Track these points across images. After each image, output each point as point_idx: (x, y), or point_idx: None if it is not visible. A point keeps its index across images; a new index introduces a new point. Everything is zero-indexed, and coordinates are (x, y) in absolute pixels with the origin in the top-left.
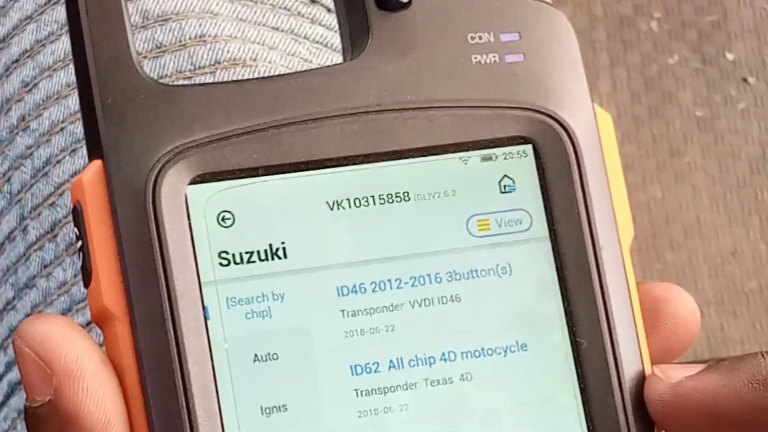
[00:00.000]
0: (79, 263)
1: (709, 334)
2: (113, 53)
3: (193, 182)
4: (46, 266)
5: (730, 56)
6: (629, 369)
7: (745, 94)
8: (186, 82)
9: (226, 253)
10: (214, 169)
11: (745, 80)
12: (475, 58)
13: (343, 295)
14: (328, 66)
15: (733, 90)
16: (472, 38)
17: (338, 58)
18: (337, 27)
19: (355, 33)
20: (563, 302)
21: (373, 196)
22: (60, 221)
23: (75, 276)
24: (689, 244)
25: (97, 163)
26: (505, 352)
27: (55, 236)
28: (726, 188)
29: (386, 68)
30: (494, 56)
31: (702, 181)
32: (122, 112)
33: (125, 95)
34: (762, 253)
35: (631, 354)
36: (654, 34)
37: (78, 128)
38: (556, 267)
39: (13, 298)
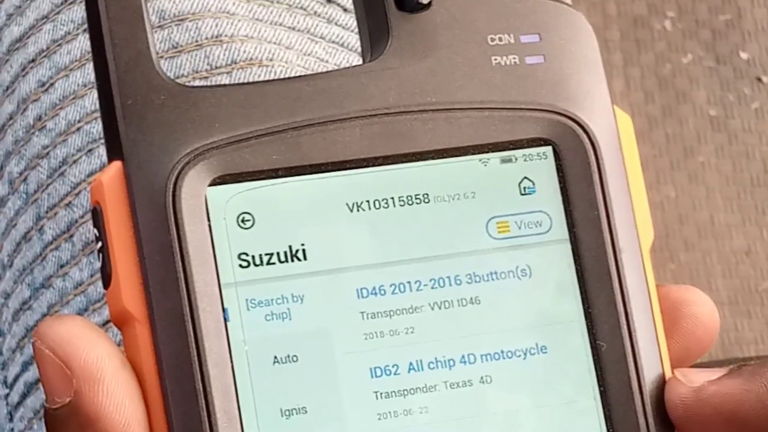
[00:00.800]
0: (98, 264)
1: (723, 334)
2: (133, 54)
3: (213, 183)
4: (62, 266)
5: (744, 55)
6: (649, 372)
7: (759, 94)
8: (202, 82)
9: (246, 254)
10: (234, 170)
11: (759, 79)
12: (495, 59)
13: (362, 297)
14: (347, 67)
15: (747, 89)
16: (492, 39)
17: (354, 58)
18: (353, 27)
19: (374, 34)
20: (583, 305)
21: (393, 198)
22: (76, 221)
23: (91, 276)
24: (703, 244)
25: (117, 164)
26: (525, 354)
27: (72, 236)
28: (740, 188)
29: (406, 70)
30: (514, 58)
31: (716, 181)
32: (142, 113)
33: (145, 97)
34: None
35: (652, 357)
36: (668, 34)
37: (94, 128)
38: (576, 269)
39: (30, 297)
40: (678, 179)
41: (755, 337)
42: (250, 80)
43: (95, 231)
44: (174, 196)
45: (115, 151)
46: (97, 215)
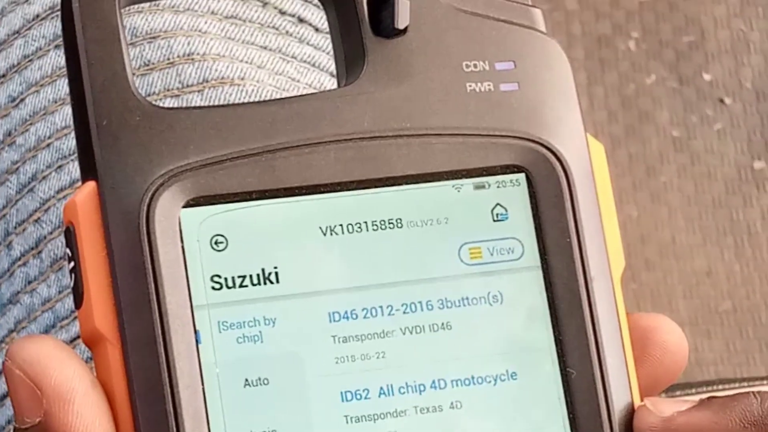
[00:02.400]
0: (67, 281)
1: None
2: (109, 75)
3: (187, 205)
4: (30, 282)
5: (707, 77)
6: (619, 400)
7: (721, 115)
8: (174, 100)
9: (219, 276)
10: (207, 192)
11: (721, 101)
12: (470, 86)
13: (334, 320)
14: (323, 91)
15: (710, 110)
16: (467, 66)
17: (326, 78)
18: (325, 46)
19: (350, 59)
20: (554, 332)
21: (366, 222)
22: (45, 237)
23: (59, 292)
24: (664, 264)
25: (91, 185)
26: (495, 380)
27: (40, 252)
28: (701, 208)
29: (381, 94)
30: (489, 84)
31: (678, 201)
32: (117, 134)
33: (121, 117)
34: (736, 274)
35: (621, 385)
36: (632, 54)
37: (64, 144)
38: (547, 296)
39: None
40: (640, 199)
41: (715, 358)
42: (222, 99)
43: (68, 251)
44: (147, 217)
45: (89, 171)
46: (70, 235)
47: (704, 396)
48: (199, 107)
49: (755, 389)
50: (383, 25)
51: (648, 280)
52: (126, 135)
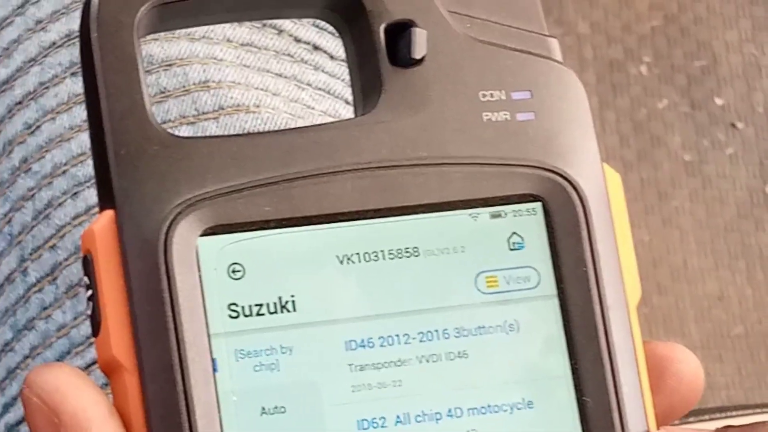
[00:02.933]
0: (82, 307)
1: None
2: (128, 105)
3: (205, 234)
4: (45, 308)
5: (718, 101)
6: (635, 429)
7: (733, 139)
8: (189, 127)
9: (236, 305)
10: (225, 221)
11: (733, 125)
12: (487, 115)
13: (351, 349)
14: (340, 120)
15: (722, 135)
16: (484, 96)
17: (341, 105)
18: (340, 74)
19: (367, 88)
20: (570, 360)
21: (383, 251)
22: (60, 264)
23: (74, 319)
24: (676, 288)
25: (109, 214)
26: (512, 409)
27: (55, 279)
28: (713, 233)
29: (398, 124)
30: (505, 114)
31: (689, 225)
32: (135, 163)
33: (139, 147)
34: (748, 298)
35: (637, 414)
36: (643, 78)
37: (80, 171)
38: (564, 325)
39: (12, 339)
40: (652, 223)
41: (726, 382)
42: (237, 126)
43: (86, 279)
44: (165, 246)
45: (107, 200)
46: (87, 264)
47: (719, 424)
48: (217, 136)
49: None
50: (400, 54)
51: (660, 304)
52: (144, 164)
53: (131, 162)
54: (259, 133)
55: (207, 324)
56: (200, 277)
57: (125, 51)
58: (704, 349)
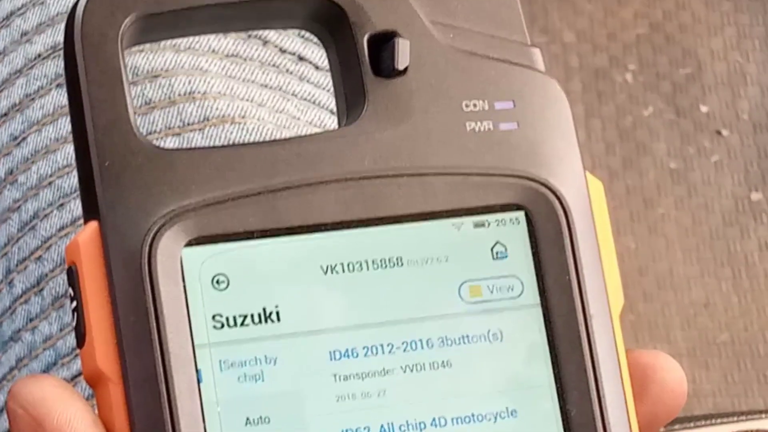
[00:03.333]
0: (68, 318)
1: None
2: (112, 116)
3: (189, 245)
4: (31, 320)
5: (704, 109)
6: None
7: (718, 147)
8: (175, 138)
9: (220, 315)
10: (209, 232)
11: (718, 133)
12: (470, 125)
13: (335, 359)
14: (324, 131)
15: (707, 142)
16: (467, 105)
17: (326, 115)
18: (325, 84)
19: (351, 99)
20: (553, 369)
21: (366, 261)
22: (46, 275)
23: (60, 330)
24: (662, 295)
25: (93, 225)
26: (495, 418)
27: (41, 290)
28: (699, 240)
29: (382, 134)
30: (488, 124)
31: (675, 233)
32: (119, 175)
33: (123, 158)
34: (734, 306)
35: (620, 423)
36: (629, 86)
37: (66, 183)
38: (547, 334)
39: None
40: (638, 231)
41: (713, 390)
42: (223, 137)
43: (70, 290)
44: (150, 257)
45: (91, 211)
46: (72, 275)
47: (705, 431)
48: (201, 148)
49: (755, 426)
50: (383, 65)
51: (646, 312)
52: (128, 176)
53: (115, 174)
54: (243, 144)
55: (191, 335)
56: (184, 287)
57: (109, 63)
58: (690, 356)
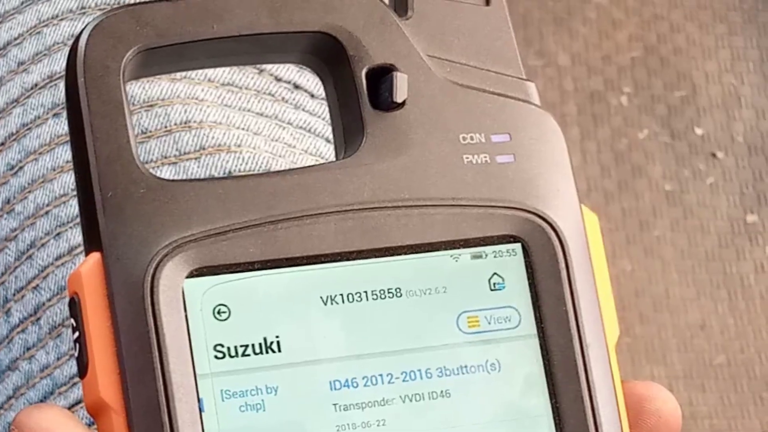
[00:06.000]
0: (65, 347)
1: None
2: (114, 148)
3: (191, 276)
4: (28, 349)
5: (698, 131)
6: None
7: (713, 169)
8: (171, 167)
9: (222, 346)
10: (210, 263)
11: (713, 155)
12: (467, 157)
13: (335, 389)
14: (323, 163)
15: (702, 165)
16: (464, 138)
17: (321, 144)
18: (320, 112)
19: (349, 131)
20: (551, 399)
21: (366, 292)
22: (43, 304)
23: (58, 359)
24: (658, 317)
25: (96, 256)
26: None
27: (39, 319)
28: (695, 262)
29: (380, 166)
30: (485, 156)
31: (671, 255)
32: (122, 206)
33: (125, 190)
34: (730, 327)
35: None
36: (624, 109)
37: (63, 212)
38: (544, 364)
39: None
40: (634, 253)
41: (710, 412)
42: (219, 166)
43: (72, 321)
44: (152, 287)
45: (93, 242)
46: (74, 306)
47: None
48: (202, 179)
49: None
50: (381, 98)
51: (642, 334)
52: (131, 207)
53: (118, 205)
54: (243, 175)
55: (193, 365)
56: (186, 318)
57: (112, 95)
58: (687, 378)
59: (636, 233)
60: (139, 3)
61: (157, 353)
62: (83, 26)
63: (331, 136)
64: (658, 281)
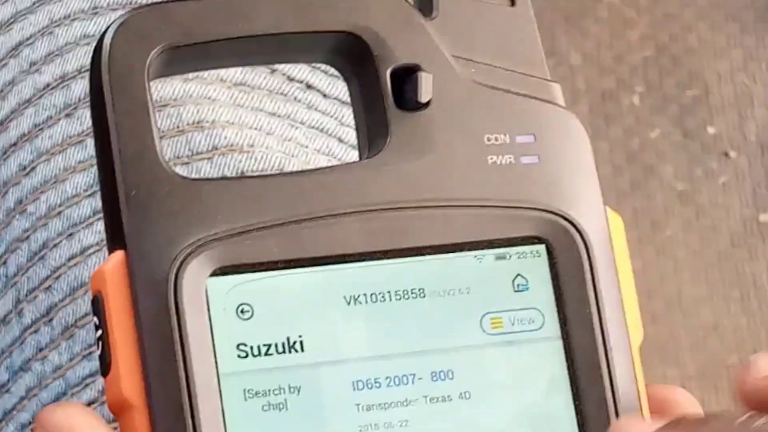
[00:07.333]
0: (78, 348)
1: None
2: (139, 146)
3: (214, 274)
4: (41, 350)
5: (711, 130)
6: None
7: (726, 168)
8: (183, 167)
9: (245, 345)
10: (234, 262)
11: (726, 154)
12: (491, 158)
13: (358, 389)
14: (347, 163)
15: (714, 164)
16: (489, 139)
17: (334, 143)
18: (333, 112)
19: (373, 131)
20: (574, 401)
21: (389, 292)
22: (56, 305)
23: (70, 360)
24: (671, 317)
25: (120, 254)
26: None
27: (51, 320)
28: (707, 262)
29: (404, 167)
30: (510, 157)
31: (683, 255)
32: (146, 204)
33: (149, 188)
34: (743, 327)
35: None
36: (636, 108)
37: (75, 212)
38: (567, 366)
39: (8, 381)
40: (646, 253)
41: None
42: (231, 166)
43: (95, 319)
44: (175, 286)
45: (117, 240)
46: (97, 304)
47: None
48: (226, 178)
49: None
50: (406, 98)
51: (655, 334)
52: (154, 205)
53: (142, 203)
54: (267, 175)
55: (216, 363)
56: (209, 317)
57: (136, 94)
58: (700, 379)
59: (648, 233)
60: (162, 2)
61: (180, 352)
62: (108, 24)
63: (343, 136)
64: (670, 281)
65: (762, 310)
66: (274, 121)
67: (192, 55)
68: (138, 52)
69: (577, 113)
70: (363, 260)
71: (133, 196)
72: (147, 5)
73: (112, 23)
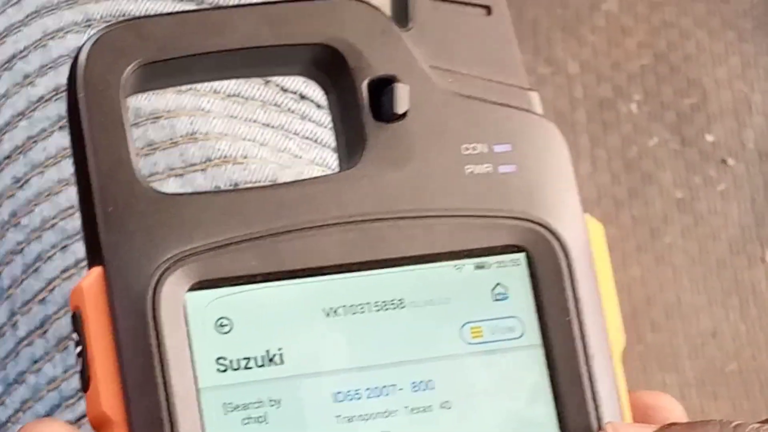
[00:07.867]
0: (72, 360)
1: (689, 416)
2: (114, 163)
3: (192, 289)
4: (35, 362)
5: (709, 138)
6: None
7: (724, 176)
8: (177, 179)
9: (224, 359)
10: (212, 276)
11: (724, 162)
12: (469, 168)
13: (338, 401)
14: (324, 175)
15: (713, 171)
16: (466, 149)
17: (328, 154)
18: (327, 122)
19: (351, 143)
20: (555, 410)
21: (368, 304)
22: (50, 317)
23: (65, 372)
24: (670, 325)
25: (98, 270)
26: None
27: (45, 332)
28: (706, 269)
29: (382, 178)
30: (487, 166)
31: (682, 262)
32: (123, 220)
33: (126, 204)
34: (742, 335)
35: None
36: (634, 116)
37: (69, 225)
38: (548, 374)
39: (2, 393)
40: (644, 261)
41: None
42: (225, 177)
43: (75, 335)
44: (153, 301)
45: (95, 256)
46: (77, 320)
47: None
48: (202, 192)
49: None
50: (383, 109)
51: (653, 342)
52: (131, 221)
53: (119, 219)
54: (244, 188)
55: (195, 378)
56: (188, 331)
57: (111, 110)
58: (699, 386)
59: (647, 240)
60: (140, 17)
61: (159, 367)
62: (84, 40)
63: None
64: (669, 288)
65: (761, 317)
66: (268, 132)
67: (168, 71)
68: (113, 69)
69: (575, 121)
70: (341, 272)
71: (110, 212)
72: (122, 21)
73: (87, 40)
